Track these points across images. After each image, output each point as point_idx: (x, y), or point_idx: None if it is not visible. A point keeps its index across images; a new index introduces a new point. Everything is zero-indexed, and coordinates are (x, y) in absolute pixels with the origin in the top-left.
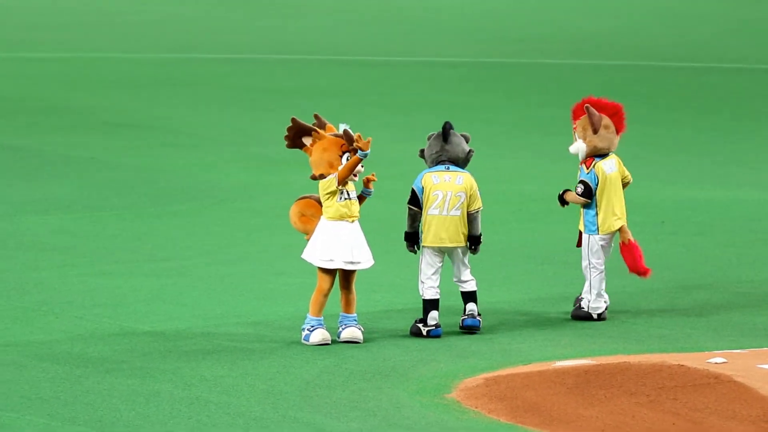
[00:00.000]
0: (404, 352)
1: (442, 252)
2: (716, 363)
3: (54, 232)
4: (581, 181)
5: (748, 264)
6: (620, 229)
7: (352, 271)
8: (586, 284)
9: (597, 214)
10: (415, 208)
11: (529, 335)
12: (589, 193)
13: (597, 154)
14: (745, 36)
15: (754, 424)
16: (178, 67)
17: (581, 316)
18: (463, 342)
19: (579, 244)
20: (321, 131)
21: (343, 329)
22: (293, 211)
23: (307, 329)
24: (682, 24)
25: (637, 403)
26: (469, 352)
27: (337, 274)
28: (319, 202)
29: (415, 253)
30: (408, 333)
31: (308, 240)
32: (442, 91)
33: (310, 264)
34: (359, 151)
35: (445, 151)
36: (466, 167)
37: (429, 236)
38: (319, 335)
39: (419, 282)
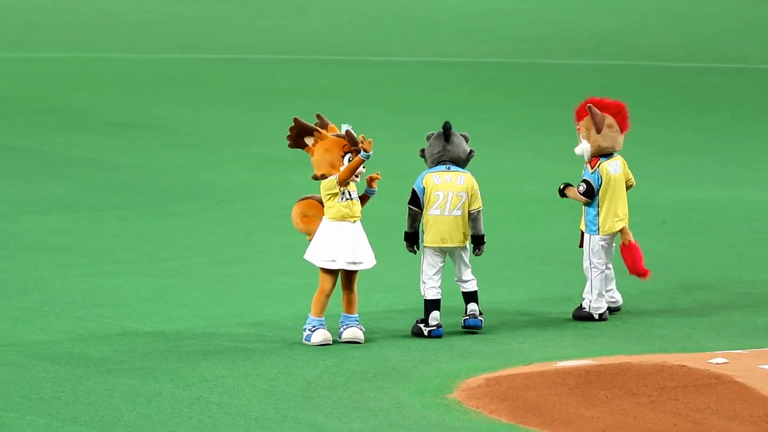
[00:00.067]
0: (405, 353)
1: (444, 252)
2: (717, 363)
3: (54, 232)
4: (584, 180)
5: (748, 264)
6: (621, 231)
7: (354, 272)
8: (588, 284)
9: (598, 214)
10: (416, 209)
11: (530, 335)
12: (590, 193)
13: (602, 153)
14: (745, 36)
15: (755, 425)
16: (178, 67)
17: (582, 316)
18: (464, 342)
19: (581, 245)
20: (323, 131)
21: (344, 329)
22: (295, 211)
23: (309, 329)
24: (683, 24)
25: (639, 403)
26: (470, 352)
27: (339, 274)
28: (321, 203)
29: (415, 253)
30: (409, 333)
31: (310, 240)
32: (442, 91)
33: (312, 264)
34: (362, 152)
35: (447, 152)
36: (466, 167)
37: (430, 236)
38: (321, 335)
39: (420, 282)
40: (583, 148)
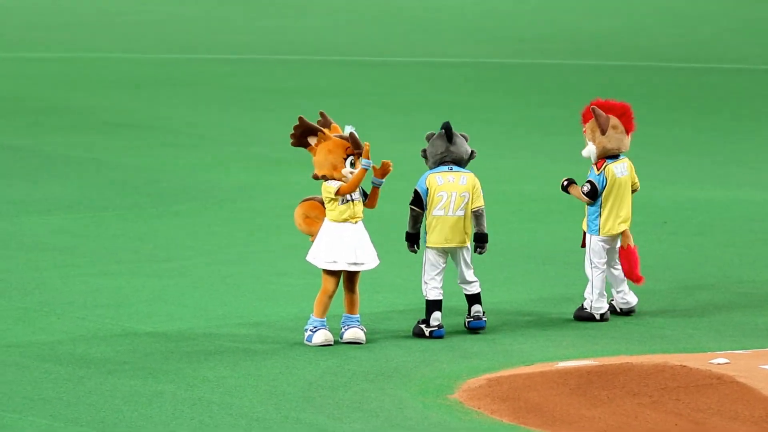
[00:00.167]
0: (407, 353)
1: (446, 253)
2: (719, 363)
3: (55, 232)
4: (589, 181)
5: (748, 264)
6: (622, 233)
7: (356, 272)
8: (589, 284)
9: (600, 215)
10: (418, 210)
11: (531, 336)
12: (594, 194)
13: (607, 155)
14: (745, 36)
15: (757, 425)
16: (178, 67)
17: (584, 317)
18: (465, 343)
19: (583, 245)
20: (327, 132)
21: (345, 330)
22: (297, 212)
23: (310, 330)
24: (683, 24)
25: (640, 403)
26: (471, 352)
27: (342, 275)
28: (323, 204)
29: (416, 252)
30: (410, 334)
31: (313, 242)
32: (442, 91)
33: (314, 265)
34: (363, 160)
35: (450, 153)
36: (466, 167)
37: (434, 237)
38: (322, 336)
39: (423, 282)
40: (589, 150)
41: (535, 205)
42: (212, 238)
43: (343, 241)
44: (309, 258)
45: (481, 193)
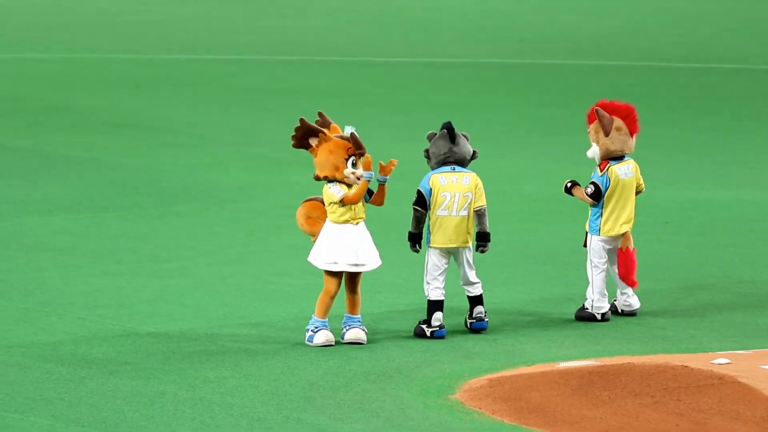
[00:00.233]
0: (408, 353)
1: (449, 253)
2: (720, 364)
3: (56, 232)
4: (592, 182)
5: (749, 264)
6: (623, 235)
7: (358, 273)
8: (590, 284)
9: (601, 215)
10: (422, 210)
11: (532, 336)
12: (597, 196)
13: (611, 156)
14: (745, 36)
15: (758, 425)
16: (178, 67)
17: (585, 317)
18: (466, 343)
19: (586, 245)
20: (328, 133)
21: (346, 330)
22: (299, 213)
23: (311, 330)
24: (683, 24)
25: (641, 404)
26: (472, 353)
27: (343, 275)
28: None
29: (418, 252)
30: (412, 334)
31: (315, 242)
32: (442, 91)
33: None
34: (365, 173)
35: (453, 153)
36: (468, 167)
37: (438, 237)
38: (323, 336)
39: (425, 283)
40: (594, 151)
41: (536, 205)
42: (213, 239)
43: (344, 243)
44: (310, 259)
45: (483, 193)
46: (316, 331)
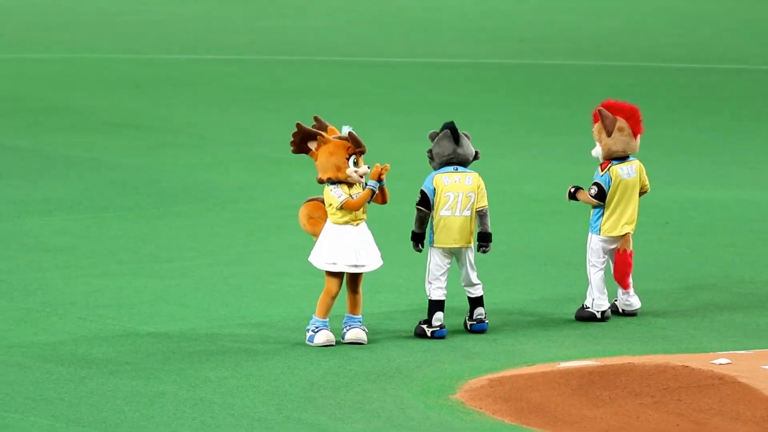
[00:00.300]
0: (408, 353)
1: (452, 253)
2: (720, 364)
3: (56, 233)
4: (595, 183)
5: (749, 264)
6: (624, 236)
7: (359, 274)
8: (589, 284)
9: (602, 215)
10: (425, 210)
11: (532, 336)
12: (602, 196)
13: (614, 157)
14: (745, 36)
15: (758, 425)
16: (179, 67)
17: (585, 316)
18: (467, 343)
19: None
20: (326, 135)
21: (347, 330)
22: (302, 213)
23: (312, 330)
24: (683, 24)
25: (642, 404)
26: (473, 353)
27: (345, 275)
28: None
29: (421, 252)
30: (412, 334)
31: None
32: (442, 91)
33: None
34: (370, 182)
35: (458, 154)
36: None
37: (441, 237)
38: (324, 336)
39: (426, 282)
40: (597, 150)
41: (536, 206)
42: (213, 239)
43: (344, 243)
44: (310, 259)
45: (486, 193)
46: (317, 331)
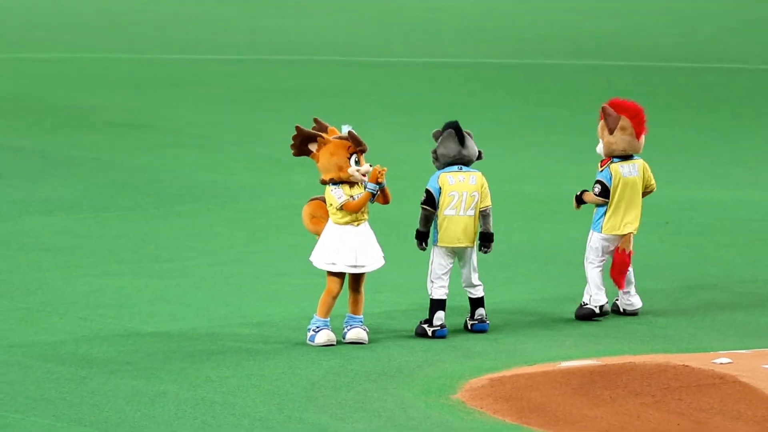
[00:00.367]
0: (409, 353)
1: (454, 253)
2: (721, 363)
3: (57, 232)
4: (598, 181)
5: (749, 264)
6: (625, 236)
7: (361, 274)
8: (587, 281)
9: (605, 213)
10: (430, 209)
11: (533, 336)
12: (606, 193)
13: (615, 155)
14: (745, 36)
15: (759, 425)
16: (180, 67)
17: (585, 314)
18: (468, 343)
19: None
20: (326, 136)
21: (348, 330)
22: (305, 211)
23: (313, 330)
24: (683, 24)
25: (642, 403)
26: (473, 352)
27: (347, 275)
28: None
29: (425, 250)
30: (413, 334)
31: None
32: (443, 91)
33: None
34: (369, 185)
35: (463, 156)
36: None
37: (446, 236)
38: (324, 336)
39: (428, 281)
40: (600, 147)
41: (536, 205)
42: (214, 239)
43: (345, 244)
44: (311, 258)
45: (489, 193)
46: (318, 331)
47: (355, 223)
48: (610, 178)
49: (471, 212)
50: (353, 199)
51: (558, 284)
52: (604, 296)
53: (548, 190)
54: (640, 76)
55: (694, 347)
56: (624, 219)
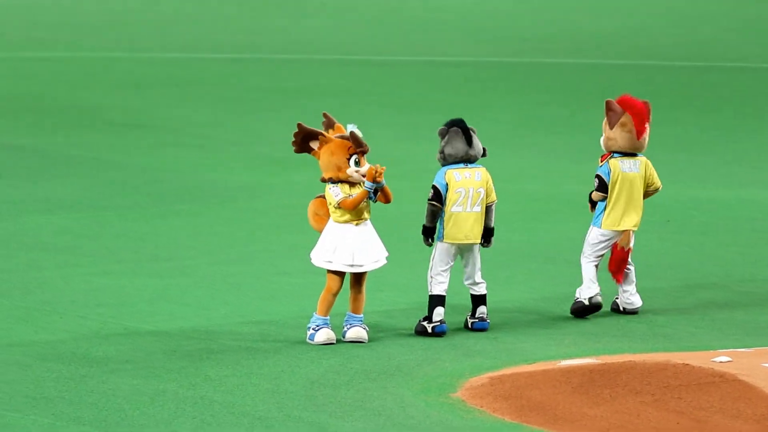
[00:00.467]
0: (409, 352)
1: (459, 250)
2: (721, 362)
3: (57, 231)
4: (596, 175)
5: (751, 263)
6: (624, 233)
7: (363, 273)
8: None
9: (605, 208)
10: (438, 205)
11: (533, 334)
12: (603, 187)
13: (614, 150)
14: (747, 34)
15: (759, 423)
16: (180, 66)
17: (577, 308)
18: (467, 341)
19: None
20: (327, 135)
21: (348, 329)
22: (309, 209)
23: (313, 328)
24: (685, 23)
25: (642, 402)
26: (473, 351)
27: (347, 274)
28: None
29: (431, 245)
30: (413, 332)
31: None
32: (444, 90)
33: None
34: (366, 183)
35: (470, 156)
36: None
37: (453, 232)
38: (324, 335)
39: (428, 277)
40: (602, 141)
41: (537, 204)
42: (214, 238)
43: (344, 242)
44: (311, 255)
45: (493, 188)
46: (317, 330)
47: (355, 222)
48: (609, 173)
49: (477, 208)
50: (351, 197)
51: (558, 283)
52: (595, 289)
53: (548, 189)
54: (643, 75)
55: (693, 346)
56: (624, 215)
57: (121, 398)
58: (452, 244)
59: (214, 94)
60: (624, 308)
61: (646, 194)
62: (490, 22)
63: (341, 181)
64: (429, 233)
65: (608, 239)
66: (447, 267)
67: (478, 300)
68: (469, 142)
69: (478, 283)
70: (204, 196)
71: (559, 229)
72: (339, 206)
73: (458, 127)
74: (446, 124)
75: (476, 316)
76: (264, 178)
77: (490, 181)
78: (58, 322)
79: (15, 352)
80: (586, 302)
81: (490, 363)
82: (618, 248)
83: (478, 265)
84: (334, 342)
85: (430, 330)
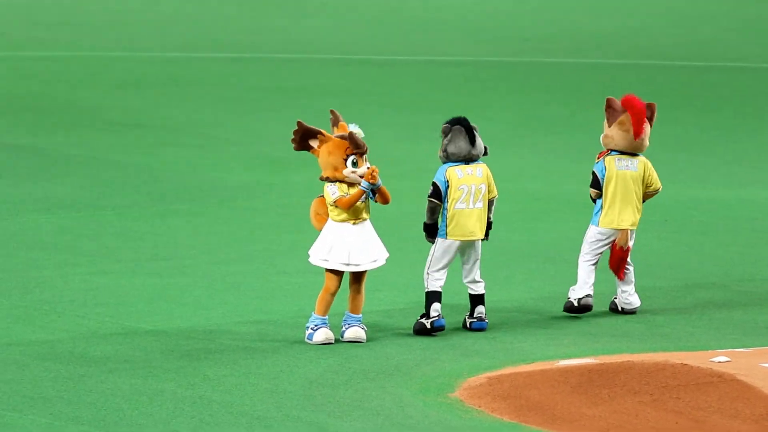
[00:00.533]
0: (407, 351)
1: (459, 248)
2: (719, 362)
3: (56, 231)
4: (592, 172)
5: (750, 263)
6: (622, 231)
7: (362, 272)
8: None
9: (602, 206)
10: (437, 201)
11: (531, 334)
12: (596, 184)
13: (611, 148)
14: (748, 34)
15: (757, 423)
16: (180, 66)
17: (567, 307)
18: (466, 341)
19: None
20: (327, 134)
21: (346, 329)
22: (311, 208)
23: (311, 328)
24: (685, 23)
25: (641, 401)
26: (472, 351)
27: (346, 273)
28: None
29: (433, 242)
30: (411, 332)
31: None
32: (444, 90)
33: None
34: (363, 183)
35: (473, 156)
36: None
37: (457, 230)
38: (323, 334)
39: (425, 273)
40: (601, 138)
41: (537, 204)
42: (213, 237)
43: (341, 241)
44: (308, 253)
45: (494, 183)
46: (316, 329)
47: (353, 221)
48: (604, 170)
49: (480, 204)
50: (347, 196)
51: (557, 283)
52: (586, 290)
53: (548, 189)
54: (643, 75)
55: (692, 346)
56: (621, 214)
57: (120, 398)
58: (456, 241)
59: (214, 93)
60: (622, 308)
61: (646, 195)
62: (490, 22)
63: (339, 180)
64: (430, 230)
65: (606, 237)
66: (445, 264)
67: (477, 300)
68: (472, 141)
69: (476, 282)
70: (203, 196)
71: (558, 228)
72: (335, 205)
73: (461, 126)
74: (449, 122)
75: (474, 315)
76: (263, 178)
77: (491, 177)
78: (56, 322)
79: (13, 351)
80: (575, 303)
81: (488, 363)
82: (617, 247)
83: (479, 261)
84: (333, 342)
85: (429, 325)
